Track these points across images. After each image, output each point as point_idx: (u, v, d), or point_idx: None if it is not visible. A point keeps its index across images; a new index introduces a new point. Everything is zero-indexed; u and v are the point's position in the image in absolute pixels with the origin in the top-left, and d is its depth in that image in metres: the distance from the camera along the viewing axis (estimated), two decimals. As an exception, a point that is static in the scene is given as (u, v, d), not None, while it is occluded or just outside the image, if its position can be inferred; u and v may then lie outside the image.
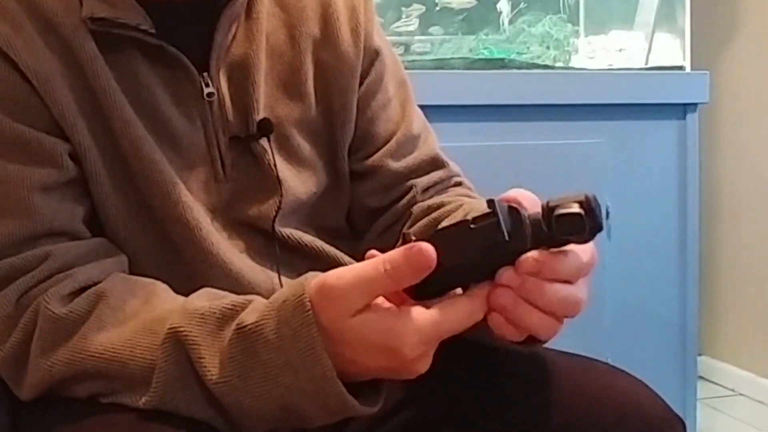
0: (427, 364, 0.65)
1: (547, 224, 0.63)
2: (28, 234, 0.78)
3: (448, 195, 0.96)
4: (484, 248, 0.63)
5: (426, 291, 0.64)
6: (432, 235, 0.64)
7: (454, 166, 1.01)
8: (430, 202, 0.94)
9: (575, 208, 0.62)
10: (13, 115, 0.78)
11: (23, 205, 0.77)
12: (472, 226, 0.63)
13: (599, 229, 0.63)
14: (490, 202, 0.63)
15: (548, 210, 0.63)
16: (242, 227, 0.88)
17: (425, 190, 0.96)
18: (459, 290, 0.66)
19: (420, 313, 0.63)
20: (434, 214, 0.91)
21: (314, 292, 0.64)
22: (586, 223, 0.62)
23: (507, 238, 0.63)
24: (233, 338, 0.67)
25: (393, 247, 0.93)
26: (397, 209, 0.96)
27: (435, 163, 0.98)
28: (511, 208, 0.63)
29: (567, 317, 0.67)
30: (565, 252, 0.65)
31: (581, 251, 0.66)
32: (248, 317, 0.67)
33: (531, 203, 0.67)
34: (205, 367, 0.67)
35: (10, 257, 0.77)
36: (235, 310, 0.69)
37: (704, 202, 2.29)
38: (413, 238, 0.64)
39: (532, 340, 0.69)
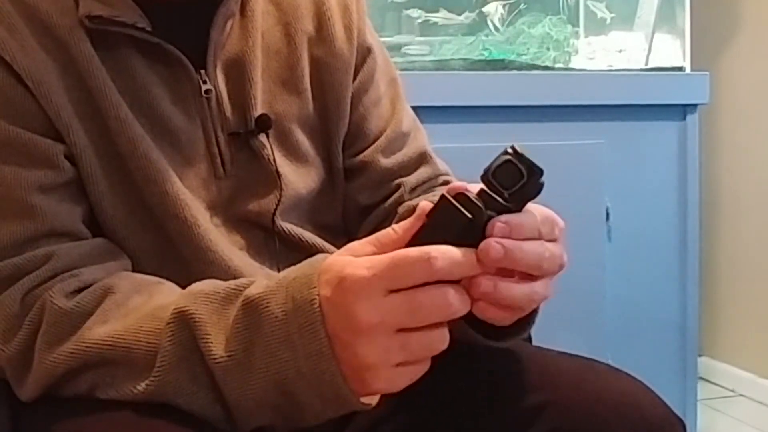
0: (373, 313, 0.62)
1: (491, 188, 0.64)
2: (30, 234, 0.78)
3: (433, 194, 0.97)
4: (450, 235, 0.63)
5: None
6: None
7: (442, 165, 1.02)
8: (415, 201, 0.95)
9: (504, 157, 0.64)
10: (8, 117, 0.78)
11: (22, 205, 0.78)
12: (428, 219, 0.64)
13: (537, 170, 0.64)
14: (442, 197, 0.64)
15: (485, 175, 0.64)
16: (242, 223, 0.88)
17: (413, 189, 0.97)
18: None
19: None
20: None
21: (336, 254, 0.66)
22: (520, 165, 0.64)
23: (470, 216, 0.63)
24: (238, 314, 0.67)
25: None
26: (384, 208, 0.97)
27: (421, 159, 0.99)
28: (458, 194, 0.64)
29: (551, 274, 0.68)
30: (524, 211, 0.66)
31: (535, 209, 0.67)
32: (254, 290, 0.68)
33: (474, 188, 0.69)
34: (210, 343, 0.67)
35: (12, 257, 0.77)
36: (238, 290, 0.69)
37: (704, 202, 2.29)
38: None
39: (518, 322, 0.71)
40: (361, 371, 0.64)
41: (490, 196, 0.64)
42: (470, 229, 0.64)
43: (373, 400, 0.67)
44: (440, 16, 2.04)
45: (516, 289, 0.65)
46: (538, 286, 0.67)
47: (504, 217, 0.64)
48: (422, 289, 0.62)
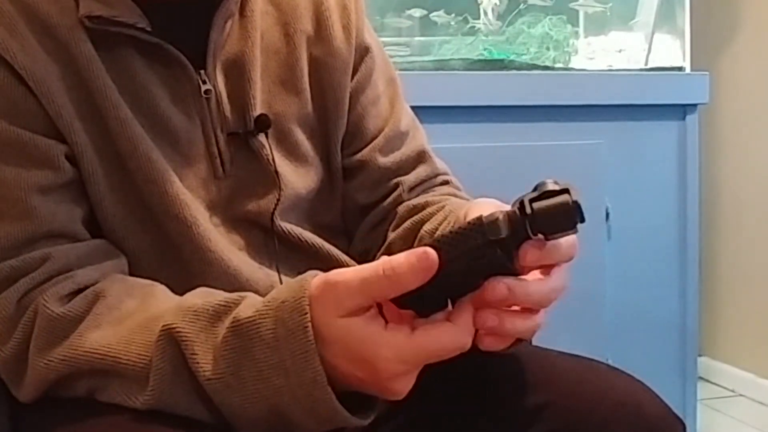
0: (407, 387, 0.64)
1: (533, 226, 0.62)
2: (27, 236, 0.78)
3: (433, 194, 0.97)
4: (478, 251, 0.63)
5: (412, 302, 0.63)
6: (428, 243, 0.63)
7: (441, 164, 1.02)
8: (414, 201, 0.95)
9: (563, 198, 0.62)
10: (9, 117, 0.78)
11: (21, 207, 0.78)
12: (465, 228, 0.63)
13: (582, 221, 0.63)
14: (478, 218, 0.63)
15: (533, 220, 0.62)
16: (241, 223, 0.88)
17: (411, 188, 0.98)
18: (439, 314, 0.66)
19: (403, 332, 0.63)
20: (417, 216, 0.93)
21: (314, 288, 0.64)
22: (575, 218, 0.62)
23: (516, 272, 0.63)
24: (227, 335, 0.67)
25: (379, 248, 0.95)
26: (383, 207, 0.97)
27: (420, 158, 0.99)
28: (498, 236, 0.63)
29: (546, 307, 0.69)
30: (554, 245, 0.65)
31: (564, 242, 0.67)
32: (243, 312, 0.67)
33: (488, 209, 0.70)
34: (198, 363, 0.67)
35: (9, 259, 0.77)
36: (228, 306, 0.69)
37: (704, 202, 2.29)
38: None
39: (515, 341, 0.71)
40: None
41: (522, 224, 0.63)
42: (502, 270, 0.64)
43: (369, 417, 0.67)
44: (480, 23, 2.06)
45: (518, 323, 0.67)
46: (539, 317, 0.68)
47: (531, 252, 0.64)
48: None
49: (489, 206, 0.76)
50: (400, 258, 0.61)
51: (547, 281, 0.67)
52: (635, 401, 0.80)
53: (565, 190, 0.63)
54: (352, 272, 0.63)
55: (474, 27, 2.08)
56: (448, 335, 0.63)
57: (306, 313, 0.63)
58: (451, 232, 0.63)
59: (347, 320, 0.63)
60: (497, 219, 0.62)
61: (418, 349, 0.63)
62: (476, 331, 0.66)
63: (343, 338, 0.63)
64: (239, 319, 0.67)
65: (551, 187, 0.63)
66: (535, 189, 0.64)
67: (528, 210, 0.62)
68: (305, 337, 0.63)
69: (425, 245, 0.62)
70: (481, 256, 0.63)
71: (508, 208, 0.67)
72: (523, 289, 0.65)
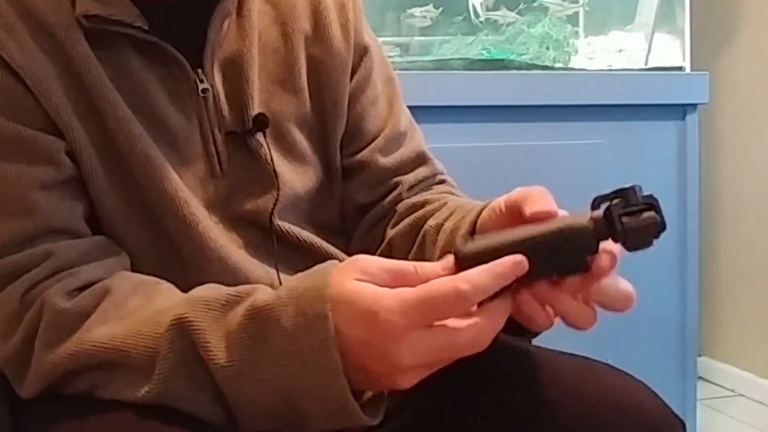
0: (410, 357, 0.63)
1: (620, 236, 0.67)
2: (29, 232, 0.78)
3: (431, 192, 0.97)
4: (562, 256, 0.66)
5: None
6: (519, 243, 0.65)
7: (438, 164, 1.03)
8: (414, 200, 0.96)
9: (650, 216, 0.66)
10: (8, 114, 0.78)
11: (23, 203, 0.78)
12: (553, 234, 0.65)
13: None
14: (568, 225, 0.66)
15: (625, 239, 0.67)
16: (240, 222, 0.88)
17: (411, 187, 0.98)
18: None
19: (406, 288, 0.64)
20: (419, 213, 0.93)
21: (340, 265, 0.66)
22: (659, 228, 0.65)
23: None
24: (243, 321, 0.67)
25: (378, 246, 0.95)
26: (383, 206, 0.97)
27: (420, 159, 1.00)
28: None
29: (620, 311, 0.72)
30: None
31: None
32: (261, 298, 0.67)
33: (546, 200, 0.71)
34: (211, 351, 0.67)
35: (12, 255, 0.77)
36: (239, 296, 0.69)
37: (704, 202, 2.29)
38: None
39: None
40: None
41: (606, 235, 0.67)
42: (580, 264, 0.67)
43: (377, 417, 0.68)
44: (499, 14, 2.06)
45: (575, 306, 0.71)
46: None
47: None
48: (458, 332, 0.63)
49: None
50: (432, 264, 0.66)
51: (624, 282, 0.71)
52: (635, 401, 0.80)
53: (651, 206, 0.66)
54: (383, 258, 0.67)
55: (467, 22, 2.07)
56: (444, 285, 0.63)
57: (327, 302, 0.64)
58: (540, 235, 0.66)
59: (361, 283, 0.64)
60: (588, 230, 0.66)
61: (421, 299, 0.62)
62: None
63: (350, 297, 0.63)
64: (257, 305, 0.67)
65: (636, 198, 0.67)
66: (617, 192, 0.67)
67: (617, 225, 0.66)
68: (324, 327, 0.63)
69: (522, 242, 0.65)
70: (561, 259, 0.66)
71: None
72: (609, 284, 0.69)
